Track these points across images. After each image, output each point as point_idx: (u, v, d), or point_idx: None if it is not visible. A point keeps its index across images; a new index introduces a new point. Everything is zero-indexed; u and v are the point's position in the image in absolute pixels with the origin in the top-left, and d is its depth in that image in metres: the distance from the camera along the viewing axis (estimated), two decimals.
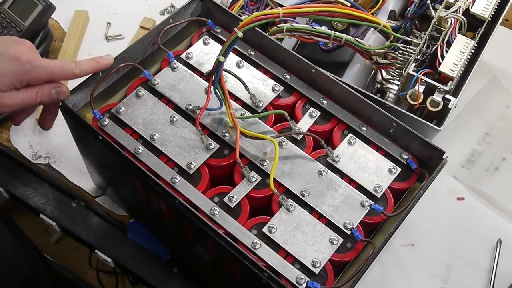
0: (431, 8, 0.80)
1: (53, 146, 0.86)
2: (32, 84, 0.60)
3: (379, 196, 0.63)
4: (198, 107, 0.67)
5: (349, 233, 0.61)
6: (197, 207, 0.61)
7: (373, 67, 0.83)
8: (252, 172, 0.64)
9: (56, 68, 0.61)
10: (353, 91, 0.67)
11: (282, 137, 0.66)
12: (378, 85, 0.82)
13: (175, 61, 0.71)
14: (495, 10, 0.77)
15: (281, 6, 0.81)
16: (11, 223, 0.84)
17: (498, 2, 0.78)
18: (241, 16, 0.84)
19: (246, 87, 0.68)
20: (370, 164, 0.65)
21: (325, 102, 0.69)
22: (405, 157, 0.66)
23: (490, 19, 0.77)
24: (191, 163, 0.63)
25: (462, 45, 0.72)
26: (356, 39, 0.77)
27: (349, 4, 0.79)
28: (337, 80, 0.68)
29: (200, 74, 0.71)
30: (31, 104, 0.61)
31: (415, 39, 0.76)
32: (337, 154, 0.65)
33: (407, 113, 0.70)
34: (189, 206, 0.58)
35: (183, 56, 0.72)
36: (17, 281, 0.78)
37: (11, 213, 1.03)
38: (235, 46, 0.70)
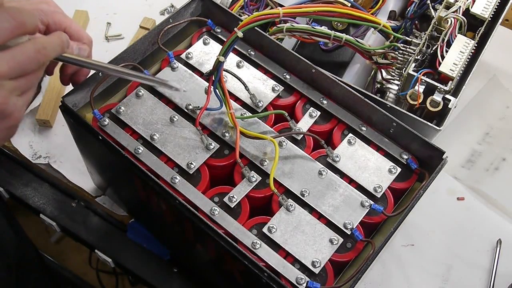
0: (431, 8, 0.80)
1: (53, 146, 0.85)
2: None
3: (379, 196, 0.63)
4: (198, 107, 0.67)
5: (349, 233, 0.60)
6: (197, 207, 0.61)
7: (373, 67, 0.83)
8: (252, 172, 0.64)
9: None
10: (353, 91, 0.67)
11: (282, 137, 0.66)
12: (378, 85, 0.82)
13: (175, 61, 0.71)
14: (495, 10, 0.77)
15: (281, 6, 0.81)
16: (7, 212, 0.83)
17: (498, 2, 0.78)
18: (241, 16, 0.84)
19: (246, 87, 0.68)
20: (370, 164, 0.65)
21: (325, 102, 0.69)
22: (405, 157, 0.66)
23: (490, 19, 0.77)
24: (191, 163, 0.63)
25: (462, 45, 0.72)
26: (356, 39, 0.77)
27: (349, 4, 0.79)
28: (337, 80, 0.68)
29: (200, 74, 0.71)
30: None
31: (415, 39, 0.76)
32: (337, 154, 0.65)
33: (407, 113, 0.70)
34: (189, 206, 0.58)
35: (183, 56, 0.72)
36: (4, 265, 0.77)
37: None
38: (235, 46, 0.70)
